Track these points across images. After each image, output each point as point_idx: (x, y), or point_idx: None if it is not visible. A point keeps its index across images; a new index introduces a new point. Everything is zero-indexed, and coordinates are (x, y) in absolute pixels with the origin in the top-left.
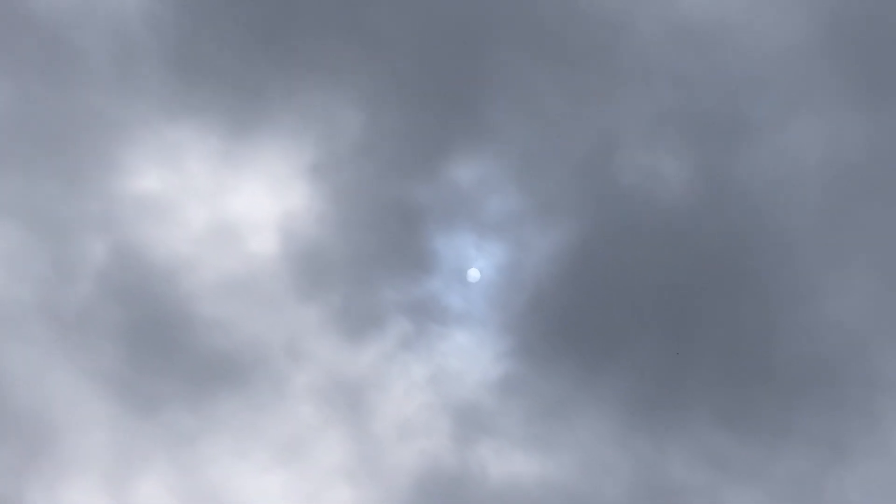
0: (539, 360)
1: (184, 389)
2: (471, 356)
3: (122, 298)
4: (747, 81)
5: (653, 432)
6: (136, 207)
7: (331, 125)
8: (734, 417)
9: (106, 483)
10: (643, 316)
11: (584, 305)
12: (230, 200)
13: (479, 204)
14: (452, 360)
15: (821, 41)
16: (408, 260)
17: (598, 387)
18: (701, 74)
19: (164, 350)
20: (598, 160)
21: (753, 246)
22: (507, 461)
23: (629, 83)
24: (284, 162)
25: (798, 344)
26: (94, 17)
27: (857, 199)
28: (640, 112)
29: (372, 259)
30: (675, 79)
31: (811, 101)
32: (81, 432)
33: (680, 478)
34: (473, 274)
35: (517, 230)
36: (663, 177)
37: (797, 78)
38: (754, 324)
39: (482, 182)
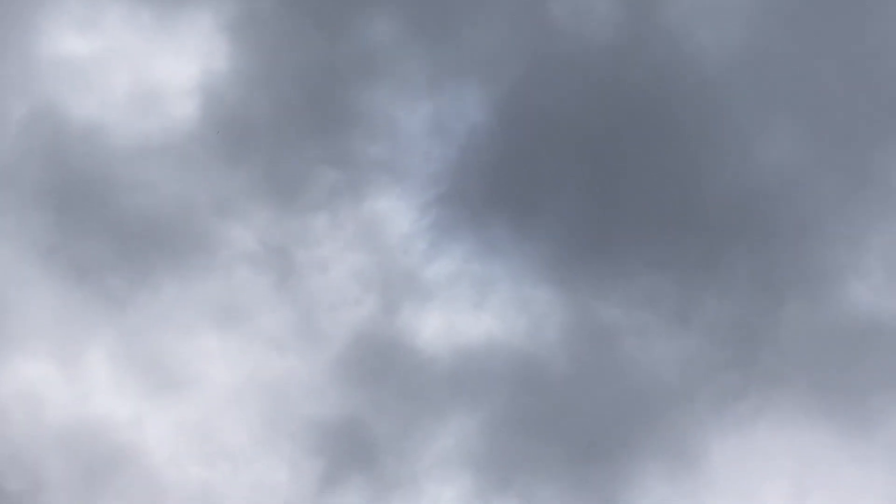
0: (469, 208)
1: (113, 253)
2: (400, 208)
3: (44, 162)
4: None
5: (586, 277)
6: (56, 70)
7: None
8: (666, 260)
9: (42, 350)
10: (573, 162)
11: (514, 154)
12: (151, 63)
13: (403, 56)
14: (382, 214)
15: None
16: (333, 117)
17: (529, 235)
18: None
19: (89, 214)
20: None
21: (683, 88)
22: (443, 315)
23: None
24: (204, 23)
25: (728, 186)
26: None
27: (786, 39)
28: None
29: (296, 117)
30: None
31: None
32: (10, 297)
33: (614, 320)
34: (401, 127)
35: (443, 82)
36: (595, 15)
37: None
38: (684, 167)
39: (406, 33)
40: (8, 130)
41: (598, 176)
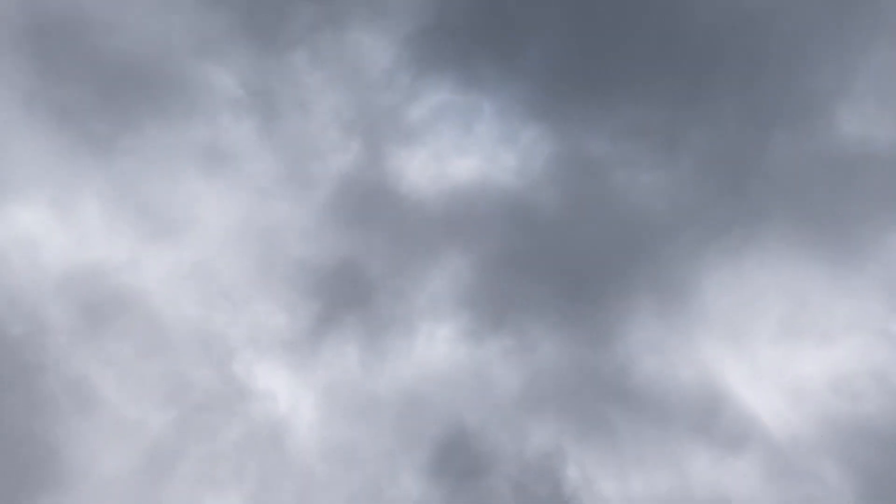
0: (453, 42)
1: (94, 97)
2: (382, 43)
3: (21, 4)
4: None
5: (573, 110)
6: None
7: None
8: (653, 92)
9: (34, 196)
10: None
11: None
12: None
13: None
14: (363, 48)
15: None
16: None
17: (515, 69)
18: None
19: (68, 57)
20: None
21: None
22: (429, 154)
23: None
24: None
25: (713, 14)
26: None
27: None
28: None
29: None
30: None
31: None
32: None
33: (602, 153)
34: None
35: None
36: None
37: None
38: None
39: None
40: None
41: (584, 7)
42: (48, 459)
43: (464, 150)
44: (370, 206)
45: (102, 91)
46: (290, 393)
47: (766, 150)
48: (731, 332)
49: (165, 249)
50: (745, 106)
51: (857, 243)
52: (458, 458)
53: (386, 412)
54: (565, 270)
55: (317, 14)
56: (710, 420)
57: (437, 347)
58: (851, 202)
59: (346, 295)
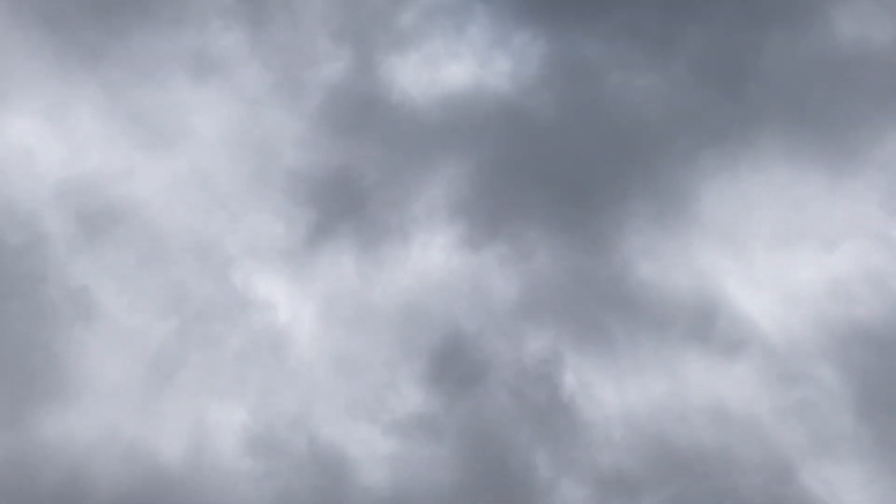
0: None
1: (83, 5)
2: None
3: None
4: None
5: (567, 11)
6: None
7: None
8: None
9: (26, 105)
10: None
11: None
12: None
13: None
14: None
15: None
16: None
17: None
18: None
19: None
20: None
21: None
22: (421, 60)
23: None
24: None
25: None
26: None
27: None
28: None
29: None
30: None
31: None
32: None
33: (597, 55)
34: None
35: None
36: None
37: None
38: None
39: None
40: None
41: None
42: (51, 369)
43: (456, 54)
44: (363, 114)
45: None
46: (288, 302)
47: (762, 52)
48: (727, 238)
49: (159, 159)
50: (741, 6)
51: (854, 146)
52: (455, 366)
53: (383, 321)
54: (561, 176)
55: None
56: (707, 326)
57: (433, 256)
58: (849, 104)
59: (341, 204)
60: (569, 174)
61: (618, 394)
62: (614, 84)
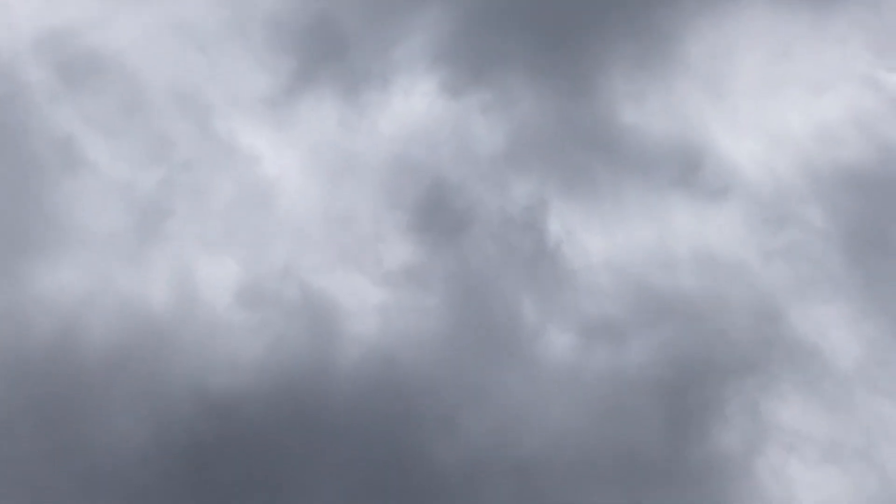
0: None
1: None
2: None
3: None
4: None
5: None
6: None
7: None
8: None
9: None
10: None
11: None
12: None
13: None
14: None
15: None
16: None
17: None
18: None
19: None
20: None
21: None
22: None
23: None
24: None
25: None
26: None
27: None
28: None
29: None
30: None
31: None
32: None
33: None
34: None
35: None
36: None
37: None
38: None
39: None
40: None
41: None
42: (40, 221)
43: None
44: None
45: None
46: (272, 152)
47: None
48: (711, 82)
49: (137, 6)
50: None
51: None
52: (441, 215)
53: (367, 171)
54: (543, 20)
55: None
56: (692, 171)
57: (415, 104)
58: None
59: (321, 51)
60: (551, 18)
61: (603, 240)
62: None
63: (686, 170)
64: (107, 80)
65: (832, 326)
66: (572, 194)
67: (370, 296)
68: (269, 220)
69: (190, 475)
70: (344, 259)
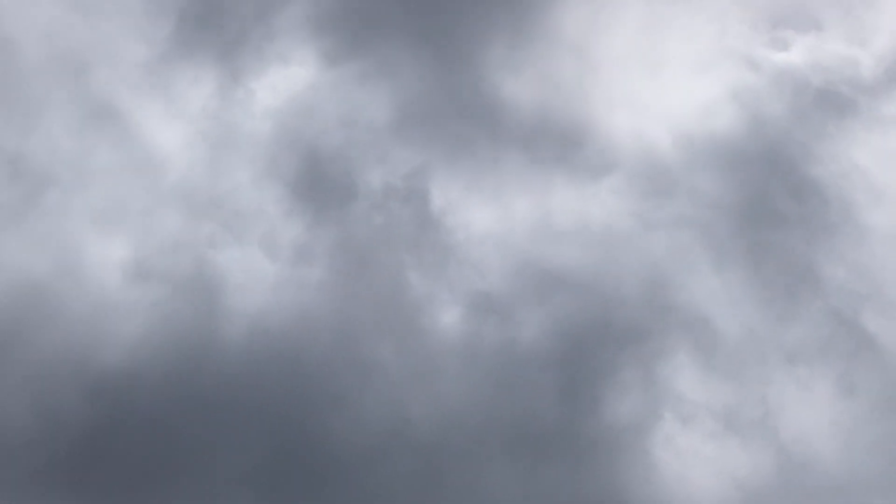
0: None
1: None
2: None
3: None
4: None
5: None
6: None
7: None
8: None
9: None
10: None
11: None
12: None
13: None
14: None
15: None
16: None
17: None
18: None
19: None
20: None
21: None
22: None
23: None
24: None
25: None
26: None
27: None
28: None
29: None
30: None
31: None
32: None
33: None
34: None
35: None
36: None
37: None
38: None
39: None
40: None
41: None
42: None
43: None
44: None
45: None
46: (155, 121)
47: None
48: (589, 57)
49: None
50: None
51: None
52: (324, 187)
53: (248, 141)
54: None
55: None
56: (574, 147)
57: (295, 73)
58: None
59: (200, 18)
60: None
61: (487, 213)
62: None
63: (567, 145)
64: None
65: (717, 295)
66: (455, 165)
67: (256, 270)
68: (152, 193)
69: (80, 458)
70: (228, 233)
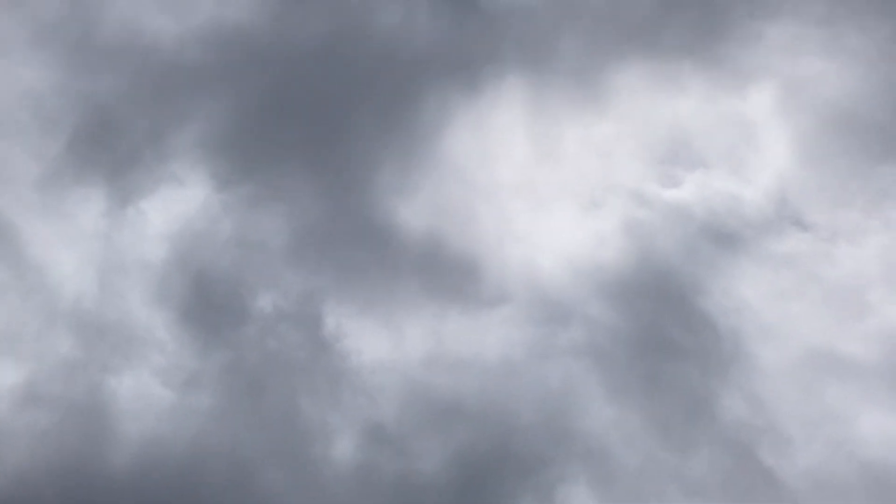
0: None
1: None
2: None
3: None
4: None
5: None
6: None
7: None
8: None
9: None
10: None
11: None
12: None
13: None
14: None
15: None
16: None
17: None
18: None
19: None
20: None
21: None
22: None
23: None
24: None
25: None
26: None
27: None
28: None
29: None
30: None
31: None
32: None
33: None
34: None
35: None
36: None
37: None
38: None
39: None
40: None
41: None
42: None
43: None
44: (116, 52)
45: None
46: (43, 247)
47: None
48: (482, 188)
49: None
50: None
51: (606, 95)
52: (214, 312)
53: (137, 265)
54: (316, 113)
55: None
56: (466, 276)
57: (187, 195)
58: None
59: (92, 137)
60: (324, 112)
61: (380, 339)
62: (374, 16)
63: (460, 273)
64: None
65: (618, 425)
66: (347, 291)
67: (148, 396)
68: (44, 316)
69: None
70: (120, 358)
